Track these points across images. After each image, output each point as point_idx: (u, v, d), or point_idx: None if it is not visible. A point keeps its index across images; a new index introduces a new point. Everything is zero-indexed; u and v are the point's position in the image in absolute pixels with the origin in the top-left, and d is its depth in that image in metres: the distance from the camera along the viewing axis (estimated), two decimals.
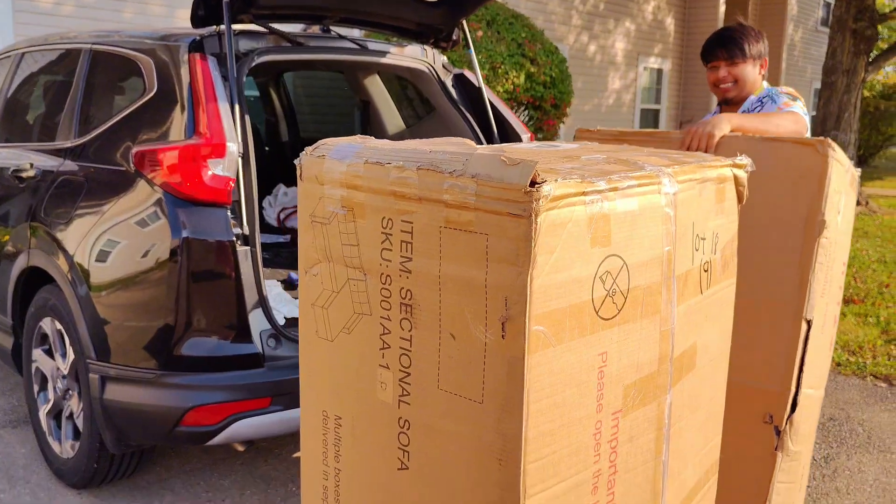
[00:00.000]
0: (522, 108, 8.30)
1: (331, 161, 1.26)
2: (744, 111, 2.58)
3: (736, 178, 1.51)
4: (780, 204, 1.87)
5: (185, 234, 2.45)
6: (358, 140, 1.31)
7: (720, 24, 13.26)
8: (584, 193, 1.09)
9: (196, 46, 2.68)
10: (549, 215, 1.03)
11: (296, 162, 1.32)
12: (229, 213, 2.49)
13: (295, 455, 3.25)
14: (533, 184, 1.01)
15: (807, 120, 2.42)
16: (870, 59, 10.57)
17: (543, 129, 8.58)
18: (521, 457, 1.07)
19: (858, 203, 10.26)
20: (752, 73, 2.60)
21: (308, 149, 1.32)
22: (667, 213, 1.25)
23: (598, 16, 11.76)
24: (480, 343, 1.09)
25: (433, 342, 1.15)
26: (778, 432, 1.89)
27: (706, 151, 2.06)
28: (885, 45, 14.63)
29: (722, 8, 13.32)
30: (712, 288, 1.46)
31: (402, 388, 1.21)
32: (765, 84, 2.65)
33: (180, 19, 8.53)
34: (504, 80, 7.80)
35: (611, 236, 1.15)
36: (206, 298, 2.50)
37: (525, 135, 3.52)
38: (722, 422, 1.61)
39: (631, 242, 1.19)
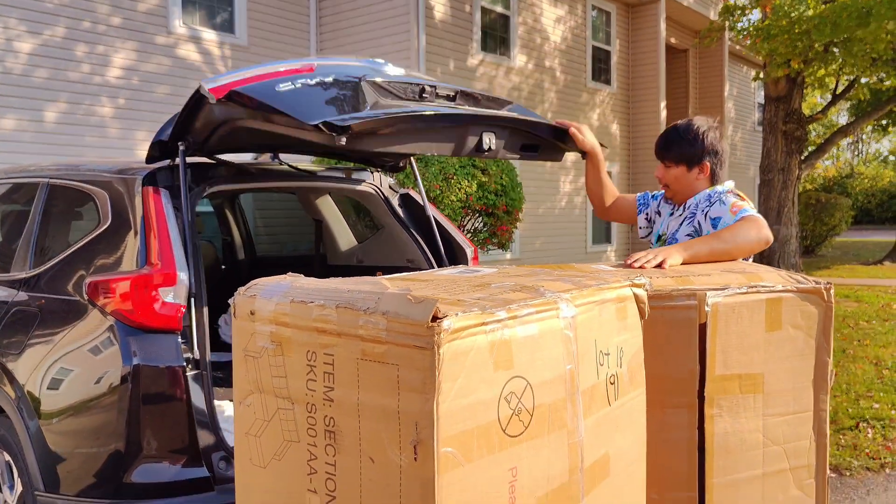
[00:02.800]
0: (476, 216, 8.58)
1: (261, 300, 1.39)
2: (691, 210, 2.54)
3: (636, 297, 1.66)
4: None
5: (135, 360, 2.52)
6: (286, 279, 1.44)
7: (662, 128, 14.01)
8: (484, 324, 1.22)
9: (149, 180, 2.82)
10: (452, 346, 1.16)
11: (230, 301, 1.43)
12: (179, 339, 2.57)
13: None
14: (435, 319, 1.14)
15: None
16: (802, 158, 11.22)
17: (497, 234, 8.85)
18: None
19: None
20: (686, 178, 2.55)
21: (241, 289, 1.44)
22: (566, 334, 1.39)
23: None
24: (396, 466, 1.19)
25: (355, 466, 1.25)
26: None
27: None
28: (817, 143, 15.51)
29: (663, 113, 14.11)
30: (620, 399, 1.58)
31: None
32: (717, 187, 2.57)
33: (138, 140, 8.79)
34: (457, 190, 8.11)
35: (513, 360, 1.27)
36: (157, 423, 2.55)
37: (468, 248, 3.70)
38: None
39: (533, 364, 1.31)
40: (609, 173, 11.87)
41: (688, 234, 2.51)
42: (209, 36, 9.53)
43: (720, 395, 1.86)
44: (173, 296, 2.58)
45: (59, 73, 8.27)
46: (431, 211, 3.70)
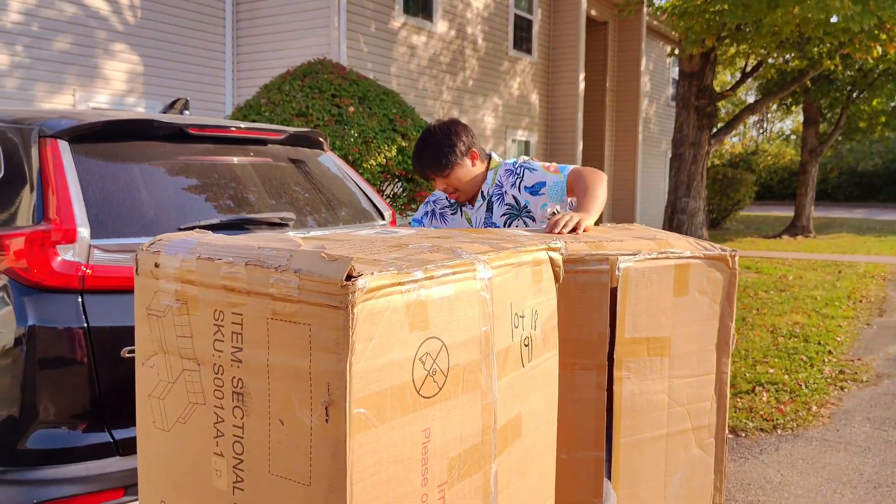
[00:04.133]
0: (396, 181, 8.52)
1: (165, 256, 1.32)
2: (494, 192, 2.57)
3: (552, 260, 1.67)
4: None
5: (31, 321, 2.38)
6: (193, 235, 1.38)
7: (580, 100, 14.22)
8: (400, 283, 1.20)
9: (48, 130, 2.65)
10: (366, 306, 1.13)
11: (131, 249, 1.36)
12: (80, 299, 2.45)
13: None
14: (349, 277, 1.11)
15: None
16: (712, 133, 11.61)
17: (417, 199, 8.82)
18: None
19: None
20: (468, 171, 2.56)
21: (143, 244, 1.37)
22: (482, 296, 1.38)
23: (467, 91, 12.33)
24: (307, 428, 1.16)
25: (264, 429, 1.21)
26: None
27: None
28: (726, 120, 16.07)
29: (581, 85, 14.31)
30: (534, 361, 1.59)
31: (235, 474, 1.25)
32: (498, 159, 2.64)
33: (38, 93, 8.28)
34: (377, 154, 8.01)
35: (429, 321, 1.26)
36: (54, 388, 2.42)
37: (387, 212, 3.65)
38: (554, 483, 1.74)
39: (449, 325, 1.30)
40: (527, 143, 11.89)
41: (504, 215, 2.55)
42: None
43: (629, 358, 1.91)
44: (73, 253, 2.45)
45: None
46: (352, 174, 3.63)
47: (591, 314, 1.88)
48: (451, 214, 2.73)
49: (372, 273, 1.14)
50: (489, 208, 2.59)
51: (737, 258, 2.00)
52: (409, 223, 2.82)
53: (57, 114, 2.82)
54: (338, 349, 1.12)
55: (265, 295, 1.19)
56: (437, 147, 2.54)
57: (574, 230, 2.09)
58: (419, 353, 1.24)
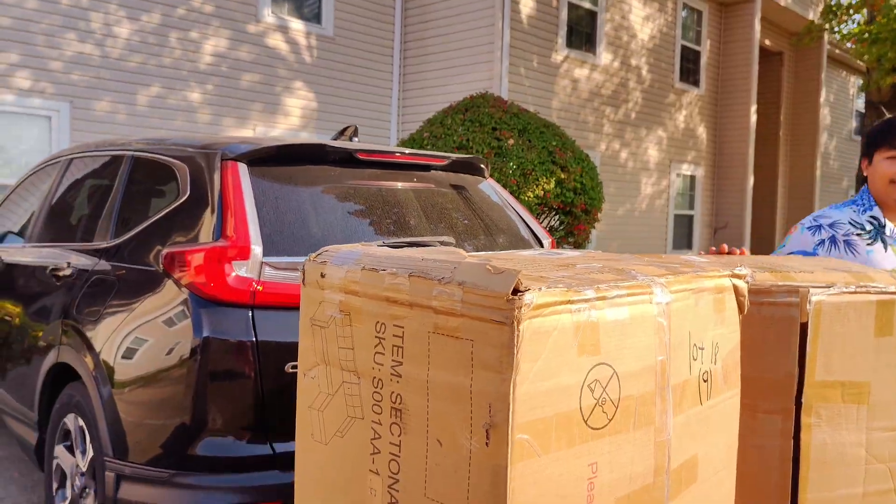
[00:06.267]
0: (553, 213, 8.42)
1: (331, 267, 1.31)
2: None
3: (736, 289, 1.51)
4: None
5: (205, 333, 2.51)
6: (359, 247, 1.37)
7: (752, 134, 13.46)
8: (570, 302, 1.11)
9: (230, 154, 2.82)
10: (533, 323, 1.05)
11: (299, 267, 1.37)
12: (250, 314, 2.55)
13: None
14: (516, 292, 1.04)
15: None
16: None
17: (574, 233, 8.66)
18: None
19: None
20: None
21: (311, 255, 1.37)
22: (659, 322, 1.26)
23: (629, 124, 12.04)
24: (465, 450, 1.09)
25: (421, 448, 1.16)
26: None
27: None
28: None
29: (753, 118, 13.54)
30: (713, 399, 1.44)
31: (390, 494, 1.20)
32: None
33: (225, 126, 8.98)
34: (535, 186, 7.97)
35: (599, 345, 1.16)
36: (222, 398, 2.53)
37: (546, 240, 3.57)
38: None
39: (621, 351, 1.19)
40: (693, 177, 11.41)
41: None
42: (296, 26, 9.66)
43: (819, 403, 1.69)
44: (246, 269, 2.56)
45: (152, 59, 8.53)
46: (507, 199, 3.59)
47: (777, 351, 1.69)
48: (868, 245, 1.99)
49: (540, 289, 1.07)
50: None
51: None
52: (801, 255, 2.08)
53: (238, 139, 3.00)
54: (501, 368, 1.05)
55: (427, 308, 1.14)
56: None
57: None
58: (588, 380, 1.14)
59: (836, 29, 10.19)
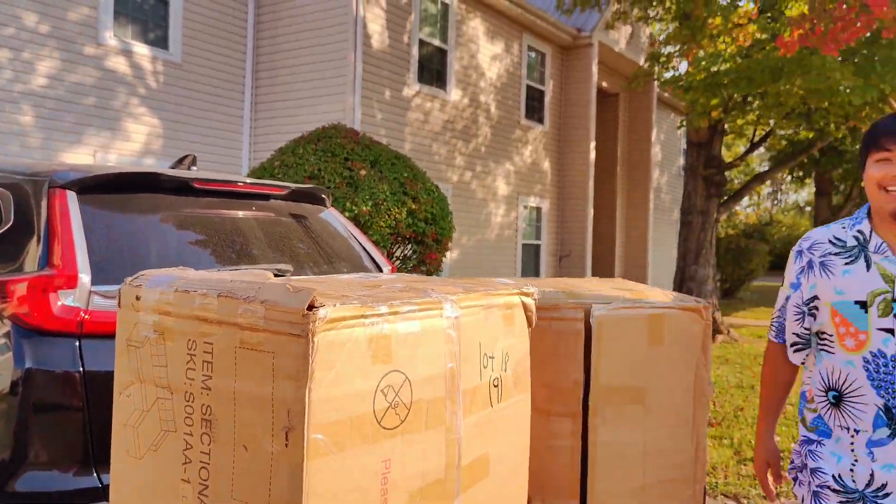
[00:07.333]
0: (406, 243, 8.63)
1: (146, 290, 1.39)
2: None
3: (524, 305, 1.72)
4: None
5: (28, 364, 2.45)
6: (174, 271, 1.45)
7: (591, 168, 14.42)
8: (364, 316, 1.26)
9: (57, 181, 2.77)
10: (327, 335, 1.19)
11: (115, 290, 1.43)
12: (77, 344, 2.51)
13: None
14: (311, 308, 1.17)
15: None
16: (721, 202, 11.70)
17: (426, 262, 8.90)
18: None
19: (721, 332, 11.01)
20: None
21: (128, 278, 1.44)
22: (449, 334, 1.43)
23: (479, 158, 12.56)
24: (268, 453, 1.20)
25: (229, 455, 1.25)
26: None
27: None
28: (738, 189, 16.21)
29: (592, 154, 14.52)
30: (504, 402, 1.63)
31: (201, 500, 1.29)
32: None
33: (62, 152, 8.55)
34: (387, 216, 8.15)
35: (392, 354, 1.31)
36: (47, 431, 2.47)
37: (386, 267, 3.73)
38: None
39: (413, 360, 1.35)
40: (539, 209, 11.98)
41: None
42: (141, 50, 9.39)
43: (604, 406, 1.94)
44: (73, 299, 2.52)
45: None
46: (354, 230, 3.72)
47: (566, 361, 1.92)
48: (846, 265, 1.79)
49: (334, 305, 1.20)
50: None
51: (710, 310, 2.05)
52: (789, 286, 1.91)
53: (68, 166, 2.95)
54: (298, 376, 1.17)
55: (234, 325, 1.25)
56: None
57: None
58: (381, 385, 1.29)
59: (660, 75, 11.17)
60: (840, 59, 8.43)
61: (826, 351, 1.83)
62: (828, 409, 1.85)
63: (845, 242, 1.81)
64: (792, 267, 1.90)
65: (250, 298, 1.24)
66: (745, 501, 4.45)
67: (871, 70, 8.33)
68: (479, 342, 1.55)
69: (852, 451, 1.79)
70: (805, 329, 1.88)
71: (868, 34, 8.09)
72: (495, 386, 1.60)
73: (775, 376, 1.99)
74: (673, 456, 2.03)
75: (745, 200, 43.30)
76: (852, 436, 1.80)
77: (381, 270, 3.73)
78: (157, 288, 1.37)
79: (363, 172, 8.32)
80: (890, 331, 1.73)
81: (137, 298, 1.39)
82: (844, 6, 7.69)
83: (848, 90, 8.26)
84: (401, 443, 1.32)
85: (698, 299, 2.05)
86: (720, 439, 5.76)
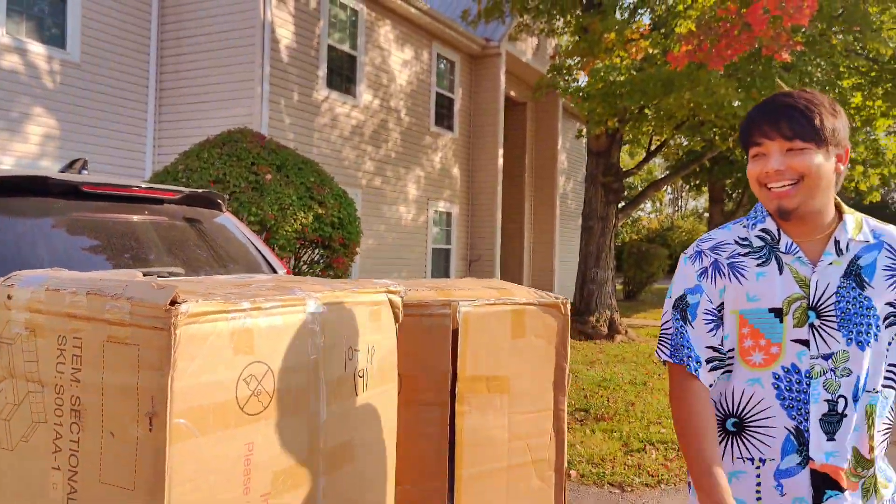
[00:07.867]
0: (313, 247, 8.67)
1: (18, 289, 1.46)
2: (876, 250, 1.60)
3: (391, 302, 1.87)
4: None
5: None
6: (47, 272, 1.52)
7: (500, 175, 14.79)
8: (226, 311, 1.37)
9: None
10: (189, 329, 1.30)
11: None
12: None
13: None
14: (174, 303, 1.28)
15: None
16: (620, 208, 12.23)
17: (334, 266, 8.96)
18: None
19: (619, 332, 11.53)
20: (827, 170, 1.55)
21: (0, 279, 1.50)
22: (311, 328, 1.56)
23: (389, 163, 12.70)
24: (134, 438, 1.30)
25: (97, 441, 1.34)
26: None
27: None
28: (634, 194, 16.95)
29: (501, 160, 14.90)
30: (369, 391, 1.77)
31: (70, 486, 1.37)
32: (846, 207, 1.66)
33: None
34: (293, 221, 8.18)
35: (254, 346, 1.43)
36: None
37: (281, 270, 3.81)
38: None
39: (276, 351, 1.47)
40: (449, 213, 12.22)
41: (891, 275, 1.58)
42: (36, 49, 9.08)
43: (470, 394, 2.10)
44: None
45: None
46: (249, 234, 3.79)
47: (434, 354, 2.08)
48: (759, 266, 1.60)
49: (196, 301, 1.31)
50: (853, 275, 1.57)
51: (568, 305, 2.25)
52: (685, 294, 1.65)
53: None
54: (161, 366, 1.28)
55: (102, 320, 1.34)
56: (814, 103, 1.57)
57: None
58: (244, 375, 1.40)
59: (560, 86, 11.61)
60: (726, 74, 9.02)
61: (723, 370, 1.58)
62: (726, 441, 1.59)
63: (751, 242, 1.61)
64: (688, 269, 1.64)
65: (117, 295, 1.33)
66: (629, 489, 4.75)
67: (752, 85, 8.94)
68: (345, 336, 1.68)
69: (757, 488, 1.54)
70: (721, 342, 1.58)
71: (750, 51, 8.68)
72: (360, 377, 1.73)
73: (698, 410, 1.54)
74: (536, 439, 2.22)
75: (649, 206, 45.10)
76: (757, 467, 1.54)
77: (275, 272, 3.81)
78: (29, 287, 1.44)
79: (269, 177, 8.32)
80: (805, 342, 1.52)
81: (9, 297, 1.46)
82: (728, 24, 8.24)
83: (737, 104, 8.85)
84: (264, 427, 1.44)
85: (557, 296, 2.24)
86: (610, 433, 6.07)
